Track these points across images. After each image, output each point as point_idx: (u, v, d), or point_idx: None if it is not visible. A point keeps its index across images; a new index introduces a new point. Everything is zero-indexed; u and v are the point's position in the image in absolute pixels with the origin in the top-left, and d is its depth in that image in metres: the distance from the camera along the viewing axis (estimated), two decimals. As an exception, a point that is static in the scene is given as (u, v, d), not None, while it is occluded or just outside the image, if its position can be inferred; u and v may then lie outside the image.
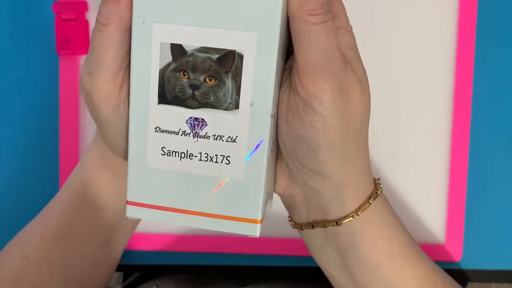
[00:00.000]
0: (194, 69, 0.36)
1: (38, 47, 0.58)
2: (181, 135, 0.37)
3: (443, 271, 0.45)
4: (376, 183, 0.42)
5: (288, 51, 0.39)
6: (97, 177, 0.46)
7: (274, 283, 0.56)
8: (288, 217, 0.44)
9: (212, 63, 0.36)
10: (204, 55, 0.36)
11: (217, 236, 0.56)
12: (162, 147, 0.37)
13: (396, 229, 0.42)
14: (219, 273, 0.58)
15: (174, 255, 0.58)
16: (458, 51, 0.55)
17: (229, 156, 0.37)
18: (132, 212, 0.39)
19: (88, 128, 0.58)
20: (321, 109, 0.35)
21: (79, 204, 0.47)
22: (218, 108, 0.37)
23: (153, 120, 0.37)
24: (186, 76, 0.36)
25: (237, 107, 0.36)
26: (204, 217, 0.38)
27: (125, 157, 0.41)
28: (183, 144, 0.37)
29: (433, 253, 0.53)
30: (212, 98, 0.36)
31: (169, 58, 0.36)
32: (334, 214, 0.40)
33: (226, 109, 0.37)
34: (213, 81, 0.36)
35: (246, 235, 0.38)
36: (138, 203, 0.38)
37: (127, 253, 0.56)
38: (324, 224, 0.40)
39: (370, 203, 0.40)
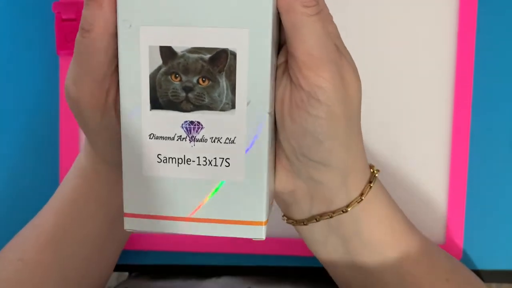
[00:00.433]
0: (186, 71, 0.35)
1: (38, 47, 0.58)
2: (177, 140, 0.36)
3: (427, 239, 0.46)
4: (371, 165, 0.42)
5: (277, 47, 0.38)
6: (88, 184, 0.45)
7: (275, 283, 0.56)
8: (283, 216, 0.43)
9: (204, 64, 0.35)
10: (196, 55, 0.35)
11: (217, 236, 0.56)
12: (158, 154, 0.36)
13: (392, 205, 0.43)
14: (220, 273, 0.58)
15: (174, 255, 0.57)
16: (458, 51, 0.55)
17: (228, 158, 0.36)
18: (130, 225, 0.37)
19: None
20: (325, 98, 0.35)
21: (72, 210, 0.46)
22: (213, 109, 0.35)
23: (146, 127, 0.36)
24: (178, 78, 0.35)
25: (233, 107, 0.35)
26: (206, 223, 0.37)
27: (116, 165, 0.41)
28: (180, 149, 0.36)
29: (433, 253, 0.53)
30: (206, 100, 0.35)
31: (159, 61, 0.35)
32: (338, 202, 0.40)
33: (222, 109, 0.35)
34: (206, 82, 0.35)
35: (252, 239, 0.37)
36: (136, 214, 0.37)
37: (127, 253, 0.56)
38: (330, 215, 0.40)
39: (371, 186, 0.40)
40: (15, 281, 0.46)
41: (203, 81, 0.35)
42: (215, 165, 0.36)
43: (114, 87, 0.37)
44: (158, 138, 0.36)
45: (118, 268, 0.55)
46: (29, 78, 0.58)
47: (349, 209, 0.40)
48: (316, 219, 0.40)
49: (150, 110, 0.36)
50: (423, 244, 0.44)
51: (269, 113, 0.36)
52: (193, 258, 0.57)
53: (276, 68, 0.37)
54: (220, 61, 0.35)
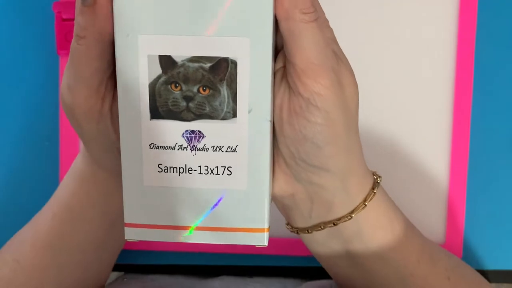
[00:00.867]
0: (186, 80, 0.35)
1: (38, 47, 0.58)
2: (178, 149, 0.36)
3: (427, 238, 0.46)
4: (373, 172, 0.42)
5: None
6: (85, 189, 0.45)
7: (277, 283, 0.56)
8: (287, 224, 0.43)
9: (205, 73, 0.34)
10: (196, 64, 0.34)
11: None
12: (159, 164, 0.36)
13: (393, 208, 0.43)
14: (221, 273, 0.58)
15: (175, 255, 0.58)
16: (458, 51, 0.55)
17: (230, 167, 0.36)
18: (131, 235, 0.37)
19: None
20: (324, 105, 0.35)
21: (68, 216, 0.46)
22: (214, 118, 0.35)
23: (146, 137, 0.36)
24: (178, 88, 0.35)
25: (234, 115, 0.35)
26: (208, 232, 0.37)
27: (112, 171, 0.40)
28: (181, 158, 0.36)
29: (433, 253, 0.54)
30: (207, 109, 0.35)
31: (158, 70, 0.35)
32: (338, 205, 0.40)
33: (224, 118, 0.35)
34: (207, 91, 0.35)
35: (254, 245, 0.36)
36: (137, 224, 0.37)
37: (127, 253, 0.56)
38: (334, 222, 0.40)
39: (374, 192, 0.41)
40: (10, 281, 0.46)
41: (204, 90, 0.35)
42: (217, 174, 0.36)
43: (110, 94, 0.37)
44: (158, 148, 0.36)
45: (117, 268, 0.55)
46: (29, 78, 0.58)
47: (353, 215, 0.40)
48: (321, 227, 0.40)
49: (150, 119, 0.35)
50: (424, 244, 0.45)
51: (270, 121, 0.35)
52: (193, 258, 0.58)
53: (274, 75, 0.37)
54: (221, 70, 0.34)
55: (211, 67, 0.34)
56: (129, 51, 0.34)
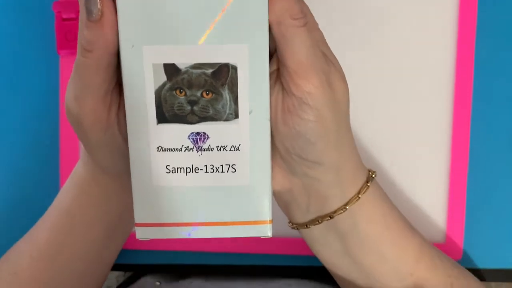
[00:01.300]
0: (190, 86, 0.37)
1: (38, 47, 0.58)
2: (185, 150, 0.38)
3: (431, 244, 0.47)
4: (369, 169, 0.44)
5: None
6: (86, 195, 0.46)
7: (277, 282, 0.57)
8: (289, 222, 0.45)
9: (207, 78, 0.37)
10: (199, 71, 0.36)
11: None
12: (167, 165, 0.38)
13: (389, 204, 0.45)
14: (222, 273, 0.58)
15: (175, 254, 0.58)
16: (458, 51, 0.56)
17: (234, 164, 0.38)
18: (142, 234, 0.39)
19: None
20: (315, 103, 0.37)
21: (68, 224, 0.47)
22: (218, 120, 0.37)
23: (154, 141, 0.38)
24: (183, 93, 0.37)
25: (236, 116, 0.37)
26: (215, 227, 0.39)
27: (117, 174, 0.42)
28: (188, 159, 0.38)
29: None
30: (211, 111, 0.37)
31: (163, 78, 0.37)
32: (334, 199, 0.42)
33: (226, 120, 0.37)
34: (210, 95, 0.37)
35: (259, 237, 0.39)
36: (147, 223, 0.39)
37: (127, 252, 0.56)
38: (331, 215, 0.42)
39: (368, 185, 0.43)
40: None
41: (207, 94, 0.37)
42: (222, 172, 0.38)
43: (116, 102, 0.38)
44: (166, 150, 0.38)
45: (117, 267, 0.56)
46: (29, 78, 0.58)
47: (347, 207, 0.42)
48: (318, 221, 0.42)
49: (157, 124, 0.37)
50: (424, 246, 0.45)
51: (269, 120, 0.38)
52: (194, 258, 0.58)
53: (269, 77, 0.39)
54: (222, 75, 0.36)
55: (213, 73, 0.36)
56: (135, 61, 0.36)
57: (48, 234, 0.47)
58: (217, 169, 0.38)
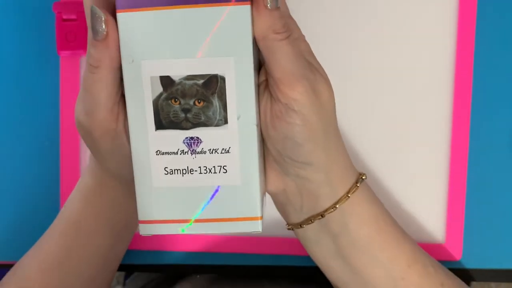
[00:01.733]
0: (184, 95, 0.41)
1: (38, 47, 0.58)
2: (180, 154, 0.42)
3: (426, 252, 0.48)
4: (360, 172, 0.46)
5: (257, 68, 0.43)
6: (92, 203, 0.49)
7: (278, 283, 0.59)
8: (286, 225, 0.48)
9: (199, 88, 0.41)
10: (191, 82, 0.41)
11: (219, 236, 0.58)
12: (165, 167, 0.42)
13: (380, 208, 0.47)
14: (224, 272, 0.59)
15: (176, 254, 0.58)
16: (458, 51, 0.56)
17: (225, 165, 0.42)
18: (145, 230, 0.43)
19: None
20: (300, 108, 0.41)
21: (75, 231, 0.49)
22: (209, 125, 0.41)
23: (153, 145, 0.42)
24: (177, 102, 0.41)
25: (226, 122, 0.41)
26: (209, 223, 0.43)
27: (124, 180, 0.45)
28: (183, 161, 0.42)
29: (433, 253, 0.52)
30: (203, 118, 0.41)
31: (160, 89, 0.41)
32: (325, 198, 0.45)
33: (217, 125, 0.41)
34: (201, 103, 0.41)
35: (251, 232, 0.42)
36: (149, 220, 0.43)
37: (129, 252, 0.56)
38: (322, 214, 0.45)
39: (357, 186, 0.45)
40: None
41: (199, 103, 0.41)
42: (215, 173, 0.42)
43: (122, 113, 0.42)
44: (164, 154, 0.42)
45: (119, 268, 0.56)
46: (29, 78, 0.58)
47: (337, 206, 0.44)
48: (311, 221, 0.45)
49: (155, 130, 0.42)
50: (417, 253, 0.47)
51: (256, 125, 0.42)
52: (194, 258, 0.58)
53: (258, 86, 0.43)
54: (212, 85, 0.41)
55: (204, 83, 0.41)
56: (134, 74, 0.41)
57: (57, 243, 0.50)
58: (210, 170, 0.42)
